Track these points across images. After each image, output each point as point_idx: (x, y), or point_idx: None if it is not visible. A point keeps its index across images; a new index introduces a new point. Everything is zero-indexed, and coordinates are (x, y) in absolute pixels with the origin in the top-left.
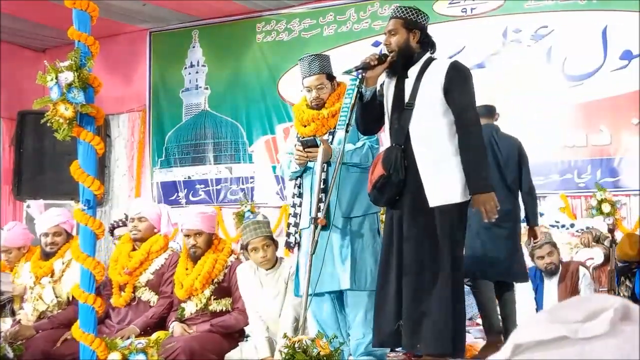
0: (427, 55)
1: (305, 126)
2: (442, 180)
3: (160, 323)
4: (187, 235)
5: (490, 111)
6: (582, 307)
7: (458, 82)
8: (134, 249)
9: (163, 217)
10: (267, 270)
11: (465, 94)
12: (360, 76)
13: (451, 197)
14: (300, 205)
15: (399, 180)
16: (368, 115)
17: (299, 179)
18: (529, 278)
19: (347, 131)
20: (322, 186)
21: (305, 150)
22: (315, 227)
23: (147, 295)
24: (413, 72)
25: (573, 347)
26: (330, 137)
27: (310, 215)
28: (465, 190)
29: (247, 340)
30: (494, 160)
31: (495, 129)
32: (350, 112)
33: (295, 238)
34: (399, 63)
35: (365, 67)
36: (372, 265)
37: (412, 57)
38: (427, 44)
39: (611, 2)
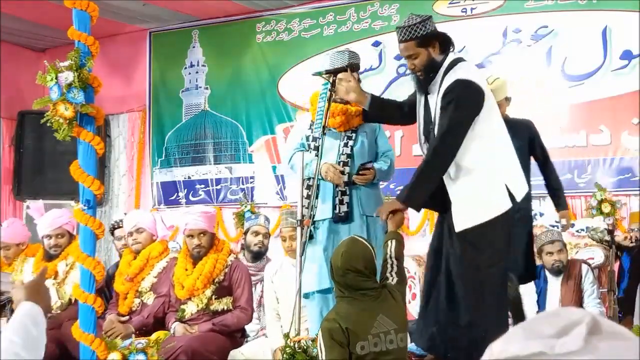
0: (448, 61)
1: (334, 116)
2: (466, 203)
3: (159, 323)
4: (191, 236)
5: None
6: (553, 321)
7: (450, 99)
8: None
9: (158, 223)
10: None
11: (452, 114)
12: (330, 80)
13: (473, 220)
14: (317, 198)
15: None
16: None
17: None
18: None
19: (324, 133)
20: (311, 191)
21: (360, 174)
22: (302, 229)
23: (152, 299)
24: (434, 88)
25: None
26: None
27: (306, 212)
28: (488, 209)
29: (247, 341)
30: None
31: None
32: (325, 115)
33: (310, 230)
34: (425, 80)
35: (335, 71)
36: None
37: (438, 69)
38: (447, 44)
39: (611, 2)
